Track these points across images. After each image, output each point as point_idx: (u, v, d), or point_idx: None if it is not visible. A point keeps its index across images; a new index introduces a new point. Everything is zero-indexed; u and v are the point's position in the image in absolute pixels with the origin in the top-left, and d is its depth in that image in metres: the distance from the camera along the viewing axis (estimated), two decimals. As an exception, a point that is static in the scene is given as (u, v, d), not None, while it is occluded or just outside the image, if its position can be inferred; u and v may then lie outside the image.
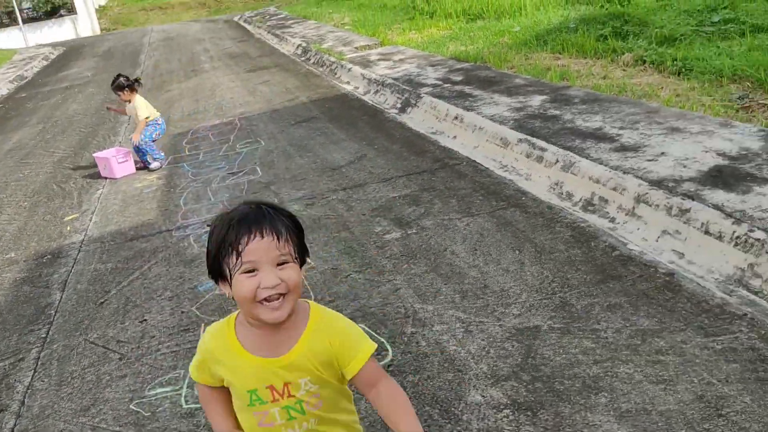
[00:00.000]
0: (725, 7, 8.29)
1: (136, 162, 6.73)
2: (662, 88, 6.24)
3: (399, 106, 7.55)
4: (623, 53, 7.71)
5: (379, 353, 2.99)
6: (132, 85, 6.64)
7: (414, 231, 4.21)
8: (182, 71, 13.05)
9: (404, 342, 3.03)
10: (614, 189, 4.04)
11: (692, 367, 2.54)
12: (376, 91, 8.39)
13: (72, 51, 20.14)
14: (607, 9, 9.99)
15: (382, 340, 3.07)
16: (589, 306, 3.05)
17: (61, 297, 4.17)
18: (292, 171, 5.86)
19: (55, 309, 4.02)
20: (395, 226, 4.34)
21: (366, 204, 4.80)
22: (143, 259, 4.51)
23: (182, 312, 3.69)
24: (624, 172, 4.10)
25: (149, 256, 4.56)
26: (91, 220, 5.49)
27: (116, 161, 6.48)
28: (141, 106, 6.63)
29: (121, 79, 6.59)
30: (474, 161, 5.38)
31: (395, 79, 8.28)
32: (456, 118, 6.27)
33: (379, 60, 9.92)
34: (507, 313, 3.11)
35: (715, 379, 2.45)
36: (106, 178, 6.55)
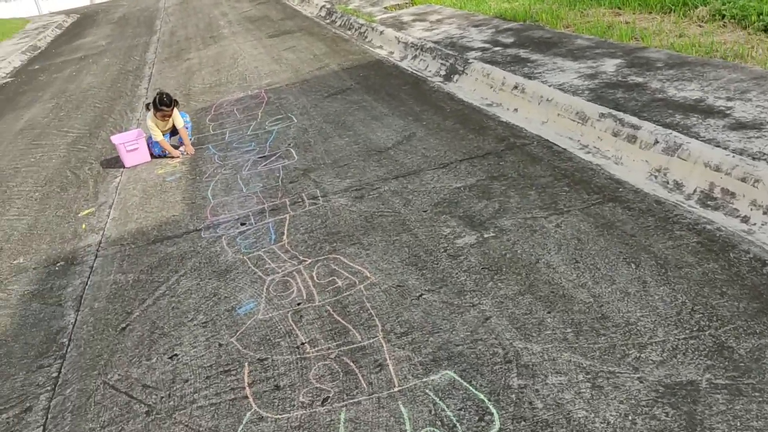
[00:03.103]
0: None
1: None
2: (752, 47, 5.37)
3: (443, 73, 6.73)
4: (696, 6, 6.78)
5: (482, 417, 2.29)
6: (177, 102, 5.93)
7: (492, 234, 3.48)
8: (200, 38, 12.25)
9: (512, 402, 2.33)
10: (743, 180, 3.26)
11: None
12: (415, 56, 7.56)
13: (86, 18, 19.36)
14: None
15: (482, 397, 2.38)
16: (758, 350, 2.32)
17: (76, 319, 3.53)
18: (333, 154, 5.12)
19: (68, 336, 3.38)
20: (467, 227, 3.61)
21: (425, 197, 4.06)
22: (170, 269, 3.85)
23: (219, 345, 3.03)
24: (753, 158, 3.32)
25: (176, 264, 3.89)
26: (108, 216, 4.84)
27: (124, 149, 5.76)
28: (176, 115, 5.91)
29: (165, 98, 5.72)
30: (546, 140, 4.60)
31: (435, 42, 7.44)
32: (516, 87, 5.47)
33: (413, 21, 9.05)
34: (644, 360, 2.39)
35: None
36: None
